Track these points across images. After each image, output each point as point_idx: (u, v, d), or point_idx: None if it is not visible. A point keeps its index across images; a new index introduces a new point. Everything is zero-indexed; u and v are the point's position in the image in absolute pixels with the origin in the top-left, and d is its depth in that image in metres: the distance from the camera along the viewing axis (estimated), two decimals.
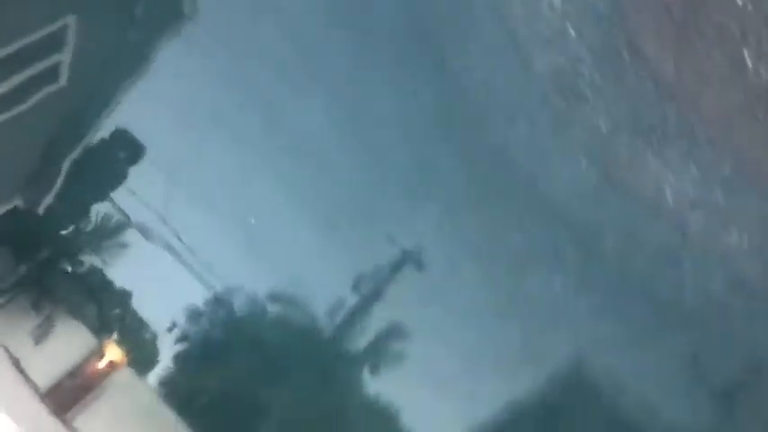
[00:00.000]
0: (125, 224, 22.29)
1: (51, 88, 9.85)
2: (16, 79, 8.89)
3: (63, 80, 9.84)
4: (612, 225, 16.28)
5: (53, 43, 8.91)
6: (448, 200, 23.39)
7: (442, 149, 23.21)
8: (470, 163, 22.43)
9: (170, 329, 25.40)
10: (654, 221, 13.58)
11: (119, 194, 23.19)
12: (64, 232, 18.75)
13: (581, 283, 18.72)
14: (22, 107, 9.60)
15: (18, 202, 13.08)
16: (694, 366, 15.26)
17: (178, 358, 24.64)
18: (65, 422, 15.60)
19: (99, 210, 21.58)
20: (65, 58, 9.35)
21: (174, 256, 23.98)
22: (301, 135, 27.88)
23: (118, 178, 23.00)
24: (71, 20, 8.73)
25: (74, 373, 17.34)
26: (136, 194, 23.91)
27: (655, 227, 13.65)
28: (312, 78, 25.45)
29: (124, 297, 30.19)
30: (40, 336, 16.65)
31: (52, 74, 9.57)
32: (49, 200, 13.17)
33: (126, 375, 18.34)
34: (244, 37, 26.10)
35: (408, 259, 22.90)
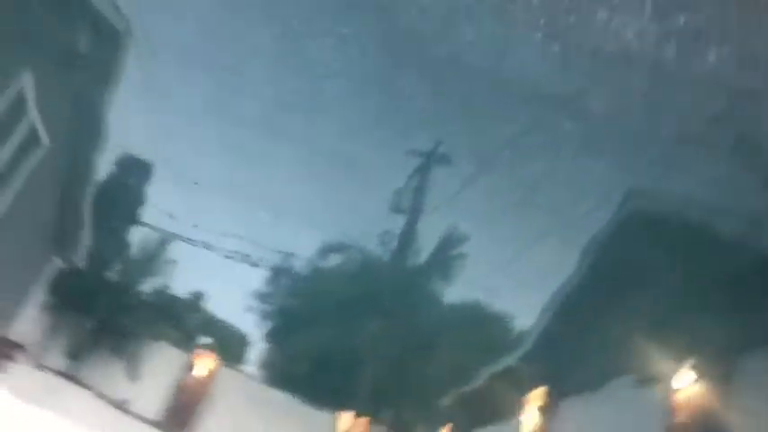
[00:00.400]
0: (164, 239, 22.66)
1: (38, 152, 9.87)
2: (1, 158, 8.94)
3: (45, 140, 9.84)
4: (592, 89, 15.71)
5: (18, 110, 8.86)
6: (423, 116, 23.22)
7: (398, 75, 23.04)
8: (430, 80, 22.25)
9: (246, 314, 26.12)
10: (628, 69, 13.03)
11: (145, 215, 23.60)
12: (113, 272, 19.08)
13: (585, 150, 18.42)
14: (20, 180, 9.68)
15: (57, 263, 13.39)
16: None
17: (265, 339, 25.42)
18: None
19: (135, 237, 21.95)
20: (33, 118, 9.30)
21: (219, 252, 24.37)
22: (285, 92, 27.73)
23: (138, 202, 23.28)
24: (25, 79, 8.64)
25: (178, 392, 18.02)
26: (158, 207, 24.30)
27: (631, 74, 13.09)
28: None
29: (195, 303, 31.10)
30: (133, 373, 17.25)
31: (32, 139, 9.57)
32: (83, 250, 13.40)
33: (226, 375, 18.99)
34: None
35: (433, 161, 22.73)
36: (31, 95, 8.91)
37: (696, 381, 8.28)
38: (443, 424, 15.97)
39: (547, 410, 11.70)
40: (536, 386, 12.20)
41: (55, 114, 9.90)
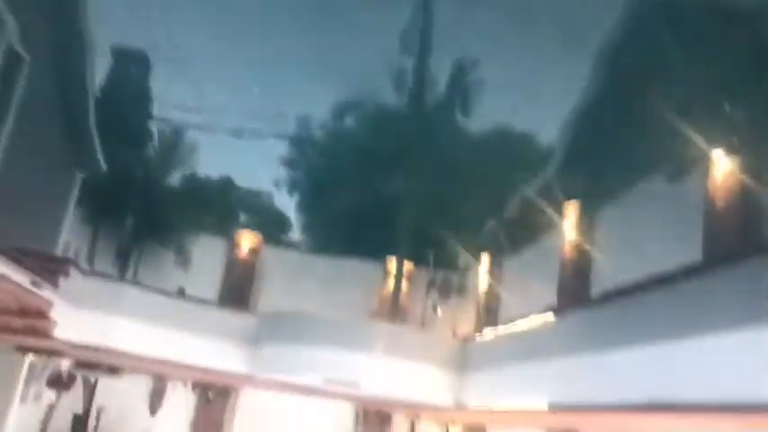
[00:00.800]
0: (179, 129, 22.55)
1: (23, 69, 9.64)
2: None
3: (25, 56, 9.58)
4: None
5: None
6: None
7: None
8: None
9: (277, 185, 26.43)
10: None
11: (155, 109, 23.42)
12: (138, 170, 19.21)
13: None
14: (16, 102, 9.56)
15: (80, 173, 13.53)
16: None
17: (300, 208, 25.85)
18: None
19: (151, 132, 21.89)
20: (8, 35, 9.01)
21: (236, 132, 24.25)
22: None
23: (145, 96, 22.97)
24: None
25: (228, 272, 18.72)
26: (166, 100, 24.05)
27: None
28: None
29: (225, 186, 31.54)
30: (182, 262, 17.88)
31: (12, 57, 9.32)
32: (101, 156, 13.45)
33: (270, 251, 19.57)
34: None
35: None
36: (2, 8, 8.57)
37: (728, 164, 8.20)
38: (485, 250, 16.40)
39: (582, 224, 11.84)
40: (569, 200, 12.28)
41: (30, 25, 9.55)
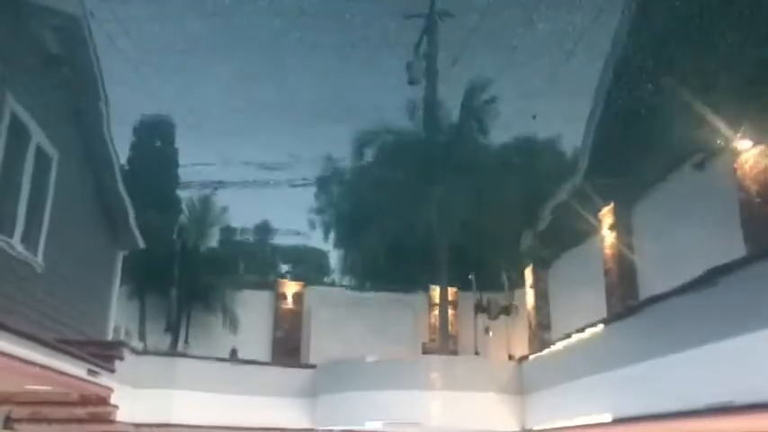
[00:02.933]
0: (208, 191, 22.96)
1: (53, 164, 9.99)
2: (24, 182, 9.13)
3: (52, 152, 9.94)
4: None
5: (18, 133, 8.92)
6: None
7: None
8: None
9: (312, 228, 26.58)
10: None
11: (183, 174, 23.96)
12: (175, 240, 19.58)
13: None
14: (50, 195, 9.89)
15: (121, 253, 13.85)
16: None
17: (338, 246, 25.96)
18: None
19: (180, 199, 22.35)
20: (34, 135, 9.37)
21: (261, 185, 24.63)
22: None
23: (172, 163, 23.50)
24: (11, 100, 8.63)
25: (276, 325, 18.89)
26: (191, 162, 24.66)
27: None
28: None
29: (261, 238, 31.95)
30: (231, 324, 18.08)
31: (41, 155, 9.67)
32: (139, 232, 13.77)
33: (314, 294, 19.70)
34: None
35: (434, 18, 21.96)
36: (23, 114, 8.92)
37: (757, 146, 8.06)
38: (526, 266, 16.29)
39: (619, 225, 11.70)
40: (604, 202, 12.16)
41: (52, 119, 9.92)
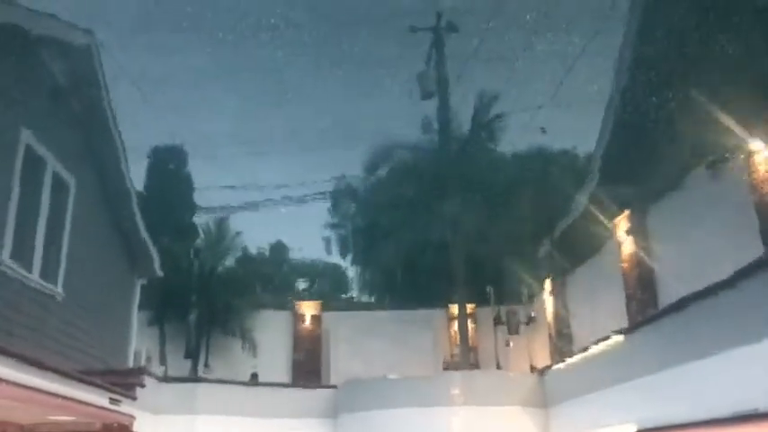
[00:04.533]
0: (223, 215, 23.09)
1: (70, 193, 10.12)
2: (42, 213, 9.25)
3: (69, 180, 10.07)
4: None
5: (33, 164, 9.06)
6: None
7: None
8: None
9: (328, 248, 26.65)
10: None
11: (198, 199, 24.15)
12: (192, 265, 19.69)
13: None
14: (68, 224, 10.01)
15: (140, 281, 13.94)
16: None
17: (354, 264, 26.02)
18: None
19: (196, 224, 22.50)
20: (51, 165, 9.50)
21: (276, 203, 24.74)
22: None
23: (187, 189, 23.69)
24: (26, 133, 8.76)
25: (296, 346, 18.89)
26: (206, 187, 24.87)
27: None
28: None
29: (278, 260, 32.02)
30: (250, 347, 18.08)
31: (59, 183, 9.80)
32: (157, 259, 13.86)
33: (332, 314, 19.69)
34: None
35: (441, 32, 22.03)
36: (37, 145, 9.06)
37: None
38: (544, 277, 16.18)
39: (635, 231, 11.62)
40: (619, 209, 12.09)
41: (66, 149, 10.06)
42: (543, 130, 20.75)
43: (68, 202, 10.05)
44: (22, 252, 8.76)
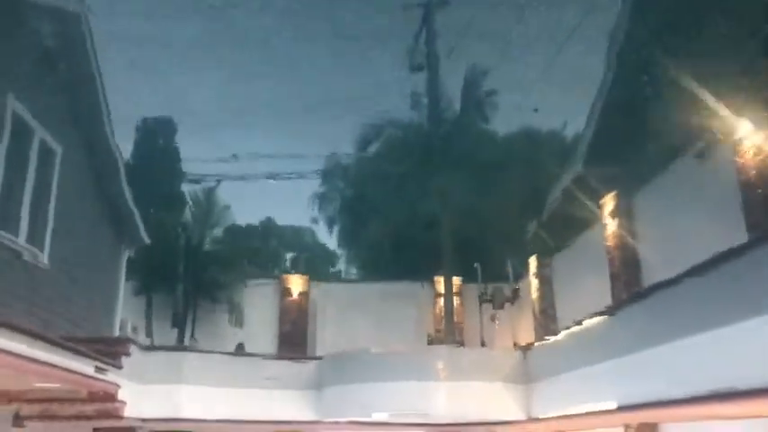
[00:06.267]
0: (213, 185, 23.05)
1: (56, 160, 10.04)
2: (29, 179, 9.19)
3: (56, 147, 9.99)
4: None
5: (20, 130, 8.98)
6: None
7: None
8: None
9: (315, 222, 26.67)
10: None
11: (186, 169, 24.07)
12: (179, 236, 19.66)
13: None
14: (55, 191, 9.95)
15: (126, 250, 13.90)
16: None
17: (342, 238, 26.04)
18: None
19: (184, 194, 22.42)
20: (37, 131, 9.41)
21: (265, 177, 24.68)
22: None
23: (175, 160, 23.59)
24: (11, 99, 8.67)
25: (282, 319, 18.99)
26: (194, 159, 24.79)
27: None
28: None
29: (266, 233, 32.06)
30: (237, 318, 18.17)
31: (46, 150, 9.73)
32: (143, 229, 13.81)
33: (319, 287, 19.76)
34: None
35: (432, 7, 21.90)
36: (24, 112, 8.98)
37: (758, 131, 8.05)
38: (530, 255, 16.30)
39: (621, 213, 11.71)
40: (606, 191, 12.17)
41: (53, 117, 9.98)
42: (536, 111, 20.80)
43: (55, 171, 9.99)
44: (7, 220, 8.72)
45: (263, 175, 25.47)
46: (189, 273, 18.67)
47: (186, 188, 23.02)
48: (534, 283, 15.99)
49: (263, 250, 28.48)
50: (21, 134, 9.03)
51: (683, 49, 9.08)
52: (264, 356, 13.27)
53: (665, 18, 9.58)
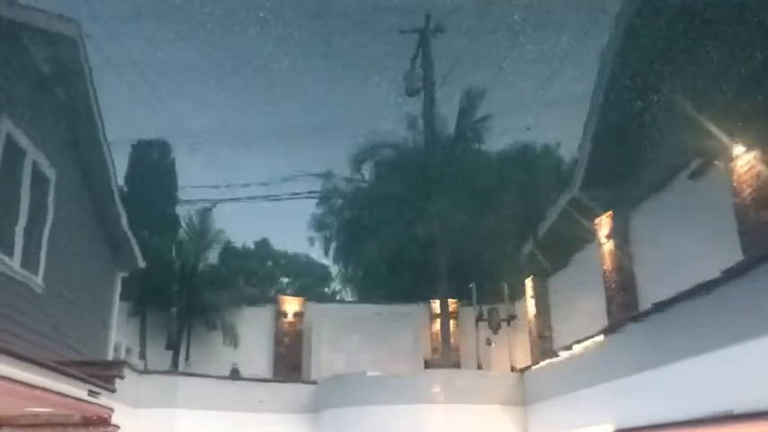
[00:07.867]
0: (207, 208, 22.95)
1: (51, 183, 10.03)
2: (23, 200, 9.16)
3: (50, 172, 9.98)
4: None
5: (13, 153, 8.97)
6: None
7: None
8: None
9: (311, 242, 26.64)
10: None
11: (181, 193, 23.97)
12: (174, 259, 19.59)
13: None
14: (51, 215, 9.93)
15: (122, 274, 13.85)
16: None
17: (338, 260, 26.00)
18: None
19: (179, 217, 22.33)
20: (31, 154, 9.41)
21: (262, 200, 24.63)
22: None
23: (170, 183, 23.50)
24: (6, 122, 8.67)
25: (277, 341, 18.88)
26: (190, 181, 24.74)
27: None
28: None
29: (261, 255, 31.95)
30: (231, 341, 18.05)
31: (39, 174, 9.72)
32: (138, 252, 13.77)
33: (314, 309, 19.67)
34: None
35: (428, 34, 22.11)
36: (18, 135, 8.97)
37: (751, 153, 8.10)
38: (526, 277, 16.28)
39: (617, 233, 11.73)
40: (601, 212, 12.20)
41: (49, 140, 9.97)
42: (528, 129, 20.92)
43: (50, 194, 9.95)
44: (1, 243, 8.67)
45: (260, 196, 25.40)
46: (183, 294, 18.56)
47: (181, 210, 22.93)
48: (531, 304, 15.96)
49: (258, 272, 28.35)
50: (15, 157, 9.01)
51: (677, 72, 9.15)
52: (260, 380, 13.17)
53: (655, 45, 9.67)
